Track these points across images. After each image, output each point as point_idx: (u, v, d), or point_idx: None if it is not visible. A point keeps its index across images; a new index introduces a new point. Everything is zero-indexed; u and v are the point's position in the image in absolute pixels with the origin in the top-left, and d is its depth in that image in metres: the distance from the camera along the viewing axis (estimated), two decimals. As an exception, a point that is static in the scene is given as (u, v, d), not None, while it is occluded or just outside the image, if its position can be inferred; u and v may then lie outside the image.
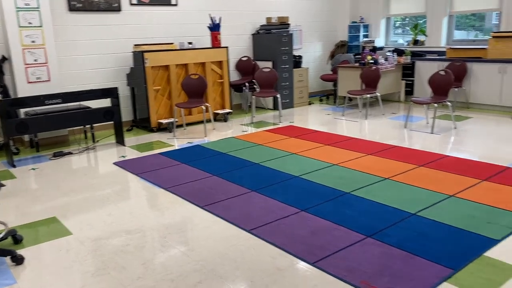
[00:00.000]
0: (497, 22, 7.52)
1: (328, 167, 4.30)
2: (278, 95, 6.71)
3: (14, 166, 4.78)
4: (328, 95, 8.67)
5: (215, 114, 6.82)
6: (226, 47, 6.75)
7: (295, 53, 8.22)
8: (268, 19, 7.64)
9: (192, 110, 6.58)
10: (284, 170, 4.24)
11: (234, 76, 7.67)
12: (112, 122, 5.51)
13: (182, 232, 3.02)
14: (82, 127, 5.96)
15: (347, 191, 3.63)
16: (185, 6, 6.83)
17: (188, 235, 2.96)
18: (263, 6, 7.84)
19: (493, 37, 6.82)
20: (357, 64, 7.56)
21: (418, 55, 7.88)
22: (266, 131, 5.99)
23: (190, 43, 6.46)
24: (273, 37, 7.41)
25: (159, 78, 6.19)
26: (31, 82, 5.34)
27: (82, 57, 6.04)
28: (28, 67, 5.29)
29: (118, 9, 6.17)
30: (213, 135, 5.93)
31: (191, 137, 5.85)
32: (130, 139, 5.89)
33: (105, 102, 6.03)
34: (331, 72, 8.63)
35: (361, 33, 8.80)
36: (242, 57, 7.62)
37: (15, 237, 2.96)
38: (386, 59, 7.46)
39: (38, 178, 4.35)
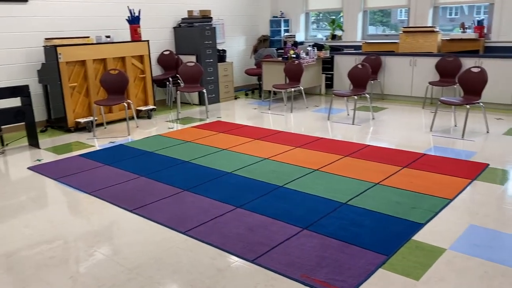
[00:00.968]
0: (406, 18, 8.05)
1: (259, 161, 4.30)
2: (204, 90, 6.60)
3: None
4: (253, 89, 8.72)
5: (138, 111, 6.53)
6: (147, 40, 6.48)
7: (219, 47, 8.14)
8: (190, 12, 7.46)
9: (113, 107, 6.23)
10: (216, 167, 4.16)
11: (156, 71, 7.40)
12: (23, 123, 5.03)
13: (111, 239, 2.83)
14: (-13, 129, 5.38)
15: (280, 185, 3.65)
16: (100, -3, 6.44)
17: (119, 242, 2.78)
18: (183, -1, 7.64)
19: (404, 32, 7.29)
20: (280, 59, 7.67)
21: (336, 50, 8.19)
22: (194, 127, 5.86)
23: (108, 36, 6.10)
24: (196, 31, 7.25)
25: (75, 75, 5.77)
26: None
27: (-17, 52, 5.44)
28: None
29: (24, 0, 5.64)
30: (137, 133, 5.67)
31: (113, 136, 5.54)
32: (45, 140, 5.44)
33: (15, 102, 5.50)
34: (255, 67, 8.68)
35: (282, 28, 8.94)
36: (164, 51, 7.38)
37: None
38: (307, 54, 7.65)
39: None
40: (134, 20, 6.34)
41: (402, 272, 2.33)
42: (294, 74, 7.01)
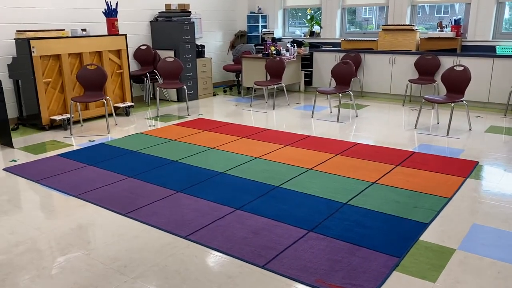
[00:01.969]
0: (369, 16, 8.19)
1: (250, 160, 4.19)
2: (185, 87, 6.41)
3: None
4: (231, 86, 8.57)
5: (115, 108, 6.28)
6: (125, 34, 6.22)
7: (196, 42, 7.94)
8: (167, 6, 7.23)
9: (89, 104, 5.95)
10: (207, 167, 4.02)
11: (133, 66, 7.14)
12: (-6, 121, 4.72)
13: (107, 245, 2.66)
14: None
15: (276, 185, 3.57)
16: (74, -12, 6.12)
17: (116, 248, 2.62)
18: (160, -8, 7.40)
19: (383, 30, 7.34)
20: (260, 55, 7.57)
21: (315, 47, 8.17)
22: (176, 125, 5.68)
23: (84, 30, 5.81)
24: (174, 25, 7.04)
25: (50, 69, 5.46)
26: None
27: None
28: None
29: (-7, -12, 5.28)
30: (116, 131, 5.44)
31: (91, 135, 5.28)
32: (17, 139, 5.12)
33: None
34: (233, 63, 8.54)
35: (260, 24, 8.84)
36: (141, 45, 7.12)
37: None
38: (287, 50, 7.59)
39: None
40: (111, 13, 6.07)
41: (417, 275, 2.30)
42: (275, 71, 6.94)
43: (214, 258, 2.50)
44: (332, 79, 7.77)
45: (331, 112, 6.41)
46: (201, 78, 7.61)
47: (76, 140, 5.07)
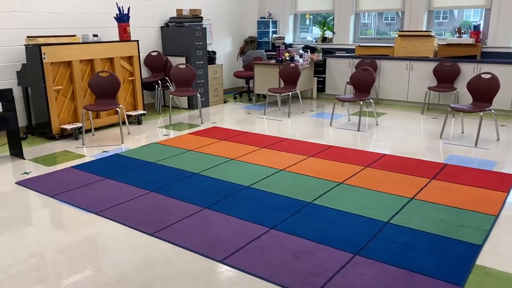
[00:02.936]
0: (368, 22, 8.05)
1: (275, 173, 3.99)
2: (198, 94, 6.21)
3: None
4: (241, 93, 8.38)
5: (127, 116, 6.06)
6: (137, 40, 6.03)
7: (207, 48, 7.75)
8: (179, 11, 7.04)
9: (100, 112, 5.74)
10: (231, 180, 3.81)
11: (143, 73, 6.94)
12: (4, 130, 4.50)
13: (139, 271, 2.44)
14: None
15: (308, 201, 3.36)
16: (85, -8, 5.92)
17: (149, 275, 2.40)
18: (171, -3, 7.21)
19: (399, 35, 7.17)
20: (273, 61, 7.39)
21: (328, 52, 7.99)
22: (190, 134, 5.47)
23: (95, 35, 5.61)
24: (186, 31, 6.85)
25: (61, 77, 5.26)
26: None
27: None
28: None
29: (2, -8, 5.08)
30: (130, 141, 5.23)
31: (104, 145, 5.07)
32: (27, 149, 4.91)
33: (-9, 106, 4.93)
34: (243, 69, 8.35)
35: (271, 29, 8.66)
36: (151, 51, 6.93)
37: None
38: (300, 56, 7.40)
39: None
40: (123, 18, 5.87)
41: (485, 306, 2.09)
42: (290, 78, 6.75)
43: (256, 285, 2.29)
44: (348, 86, 7.59)
45: (349, 120, 6.22)
46: (212, 85, 7.41)
47: (89, 150, 4.86)
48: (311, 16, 8.86)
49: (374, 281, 2.30)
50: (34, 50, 4.99)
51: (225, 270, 2.44)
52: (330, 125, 5.91)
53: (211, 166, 4.19)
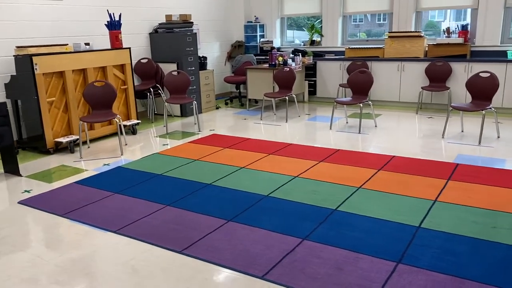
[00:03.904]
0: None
1: (290, 180, 3.90)
2: (195, 102, 6.06)
3: None
4: (231, 98, 8.26)
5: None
6: (129, 48, 5.83)
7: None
8: (168, 16, 6.88)
9: (95, 124, 5.52)
10: (247, 190, 3.70)
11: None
12: (-1, 147, 4.25)
13: (176, 293, 2.30)
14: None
15: (332, 208, 3.29)
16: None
17: (189, 297, 2.27)
18: (155, 3, 7.03)
19: (389, 37, 7.22)
20: (266, 66, 7.31)
21: (317, 55, 7.98)
22: (191, 143, 5.32)
23: (87, 44, 5.39)
24: (177, 37, 6.69)
25: (53, 88, 5.02)
26: None
27: None
28: None
29: (-13, 1, 4.81)
30: (128, 152, 5.04)
31: (102, 157, 4.87)
32: (20, 166, 4.65)
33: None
34: (232, 74, 8.25)
35: (258, 33, 8.59)
36: (141, 59, 6.73)
37: None
38: (293, 60, 7.36)
39: None
40: (114, 26, 5.67)
41: (544, 310, 2.06)
42: (285, 82, 6.68)
43: (307, 302, 2.19)
44: (340, 88, 7.60)
45: (347, 122, 6.20)
46: (204, 91, 7.27)
47: (88, 164, 4.64)
48: (303, 19, 8.85)
49: (426, 290, 2.24)
50: (24, 61, 4.75)
51: (268, 287, 2.33)
52: (330, 129, 5.87)
53: (223, 176, 4.07)
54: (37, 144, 5.05)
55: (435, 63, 6.71)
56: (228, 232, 2.95)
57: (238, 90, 8.08)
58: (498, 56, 6.64)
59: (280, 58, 7.00)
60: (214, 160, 4.58)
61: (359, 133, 5.58)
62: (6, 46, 5.01)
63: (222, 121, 6.56)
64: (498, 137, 5.14)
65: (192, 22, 6.95)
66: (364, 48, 7.48)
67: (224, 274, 2.47)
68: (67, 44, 5.17)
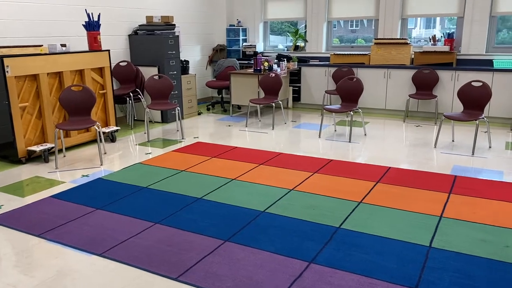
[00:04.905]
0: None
1: (286, 194, 3.68)
2: (178, 108, 5.77)
3: None
4: (213, 104, 7.99)
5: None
6: (108, 50, 5.50)
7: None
8: (149, 18, 6.57)
9: (71, 131, 5.15)
10: (241, 205, 3.46)
11: (113, 85, 6.37)
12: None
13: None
14: None
15: (335, 225, 3.08)
16: (48, -3, 5.32)
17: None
18: (135, 3, 6.71)
19: (375, 43, 7.13)
20: (251, 71, 7.09)
21: (302, 61, 7.82)
22: (175, 151, 5.04)
23: (63, 45, 5.03)
24: (158, 39, 6.39)
25: (26, 92, 4.64)
26: None
27: None
28: None
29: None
30: (108, 162, 4.71)
31: (80, 168, 4.52)
32: (-10, 177, 4.26)
33: None
34: (214, 79, 7.99)
35: (241, 37, 8.36)
36: (120, 61, 6.39)
37: None
38: (278, 65, 7.17)
39: None
40: (93, 26, 5.33)
41: None
42: (271, 88, 6.48)
43: (324, 339, 1.97)
44: (326, 95, 7.46)
45: (335, 130, 6.04)
46: (186, 96, 6.98)
47: (64, 175, 4.29)
48: (286, 24, 8.67)
49: (452, 322, 2.06)
50: (-5, 63, 4.36)
51: (279, 321, 2.09)
52: (319, 137, 5.69)
53: (214, 189, 3.81)
54: (8, 153, 4.66)
55: (422, 71, 6.65)
56: (227, 255, 2.70)
57: (221, 95, 7.83)
58: (483, 64, 6.64)
59: (266, 63, 6.79)
60: (201, 171, 4.32)
61: (350, 141, 5.43)
62: (-27, 46, 4.61)
63: (205, 128, 6.29)
64: (490, 147, 5.08)
65: (174, 25, 6.67)
66: (350, 54, 7.37)
67: (227, 305, 2.22)
68: (42, 45, 4.80)
